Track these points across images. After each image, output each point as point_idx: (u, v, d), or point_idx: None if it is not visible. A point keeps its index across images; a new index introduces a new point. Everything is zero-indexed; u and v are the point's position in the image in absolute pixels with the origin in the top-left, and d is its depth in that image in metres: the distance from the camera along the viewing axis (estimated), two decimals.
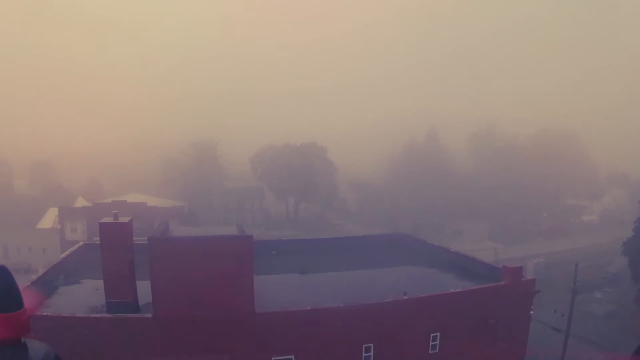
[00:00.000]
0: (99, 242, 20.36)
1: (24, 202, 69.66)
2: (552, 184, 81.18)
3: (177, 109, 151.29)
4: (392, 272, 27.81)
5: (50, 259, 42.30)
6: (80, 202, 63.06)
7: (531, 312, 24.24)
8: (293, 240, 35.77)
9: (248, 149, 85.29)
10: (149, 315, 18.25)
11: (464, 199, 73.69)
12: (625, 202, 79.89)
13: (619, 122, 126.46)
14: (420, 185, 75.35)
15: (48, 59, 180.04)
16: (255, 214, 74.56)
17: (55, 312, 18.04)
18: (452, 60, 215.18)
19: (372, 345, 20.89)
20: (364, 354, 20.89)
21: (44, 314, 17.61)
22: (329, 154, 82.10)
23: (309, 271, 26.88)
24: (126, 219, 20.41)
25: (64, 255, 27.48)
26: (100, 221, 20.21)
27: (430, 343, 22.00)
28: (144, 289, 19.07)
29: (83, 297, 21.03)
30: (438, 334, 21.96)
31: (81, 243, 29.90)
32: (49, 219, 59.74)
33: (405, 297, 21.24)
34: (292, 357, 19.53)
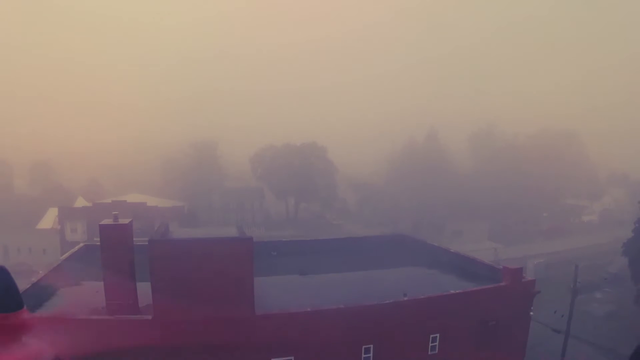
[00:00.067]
0: (99, 243, 20.39)
1: (24, 202, 69.74)
2: (552, 184, 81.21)
3: (177, 109, 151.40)
4: (392, 273, 27.81)
5: (50, 260, 42.34)
6: (80, 202, 63.12)
7: (531, 313, 24.26)
8: (293, 241, 35.73)
9: (248, 149, 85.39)
10: (149, 317, 18.25)
11: (464, 199, 73.73)
12: (625, 202, 79.95)
13: (619, 122, 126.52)
14: (420, 185, 75.39)
15: (48, 59, 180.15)
16: (255, 214, 74.63)
17: (55, 314, 18.07)
18: (452, 60, 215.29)
19: (371, 346, 20.91)
20: (363, 355, 20.90)
21: (45, 316, 17.65)
22: (329, 154, 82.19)
23: (309, 272, 26.89)
24: (126, 221, 20.42)
25: (64, 256, 27.47)
26: (100, 223, 20.20)
27: (430, 344, 22.01)
28: (144, 290, 19.09)
29: (83, 299, 21.03)
30: (438, 335, 21.96)
31: (81, 244, 29.88)
32: (49, 219, 59.79)
33: (405, 299, 21.25)
34: (292, 358, 19.54)
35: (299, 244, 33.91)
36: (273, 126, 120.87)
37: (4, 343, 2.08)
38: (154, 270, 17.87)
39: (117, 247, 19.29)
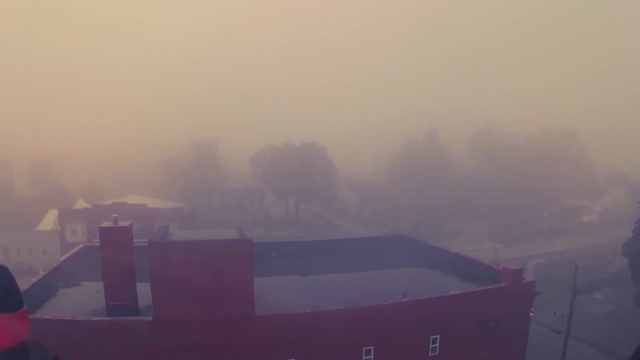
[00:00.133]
0: (99, 244, 20.42)
1: (24, 203, 69.72)
2: (552, 183, 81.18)
3: (177, 109, 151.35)
4: (392, 274, 27.80)
5: (50, 261, 42.33)
6: (81, 204, 63.07)
7: (531, 314, 24.28)
8: (293, 242, 35.78)
9: (248, 149, 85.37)
10: (149, 318, 18.28)
11: (464, 199, 73.80)
12: (625, 202, 79.93)
13: (619, 122, 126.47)
14: (420, 185, 75.45)
15: (48, 59, 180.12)
16: (255, 215, 74.66)
17: (55, 315, 18.10)
18: (452, 60, 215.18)
19: (372, 347, 20.93)
20: (364, 357, 20.93)
21: (45, 317, 17.67)
22: (329, 154, 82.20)
23: (309, 273, 26.91)
24: (126, 223, 20.43)
25: (64, 257, 27.51)
26: (100, 225, 20.23)
27: (431, 345, 22.04)
28: (144, 292, 19.10)
29: (83, 300, 21.06)
30: (438, 336, 22.00)
31: (81, 245, 29.92)
32: (49, 221, 59.77)
33: (405, 300, 21.26)
34: (293, 359, 19.58)
35: (299, 245, 33.94)
36: (273, 126, 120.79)
37: (4, 343, 2.09)
38: (154, 272, 17.90)
39: (117, 250, 19.30)
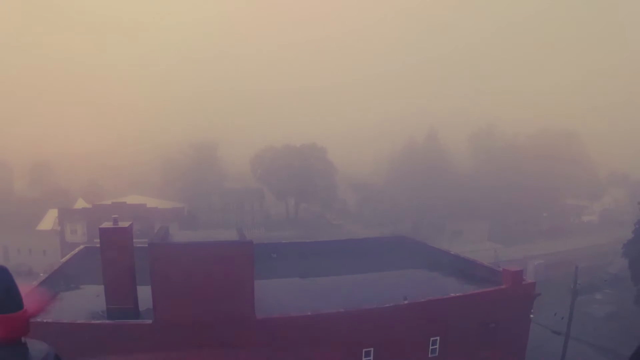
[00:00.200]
0: (99, 245, 20.41)
1: (24, 203, 69.66)
2: (552, 183, 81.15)
3: (177, 109, 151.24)
4: (392, 276, 27.82)
5: (50, 261, 42.38)
6: (80, 204, 63.07)
7: (531, 316, 24.28)
8: (293, 243, 35.78)
9: (248, 150, 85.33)
10: (150, 321, 18.28)
11: (464, 199, 73.67)
12: (626, 202, 79.93)
13: (619, 122, 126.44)
14: (420, 185, 75.34)
15: (48, 59, 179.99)
16: (255, 215, 74.65)
17: (56, 319, 18.08)
18: (452, 60, 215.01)
19: (372, 349, 20.95)
20: (363, 358, 20.93)
21: (45, 320, 17.66)
22: (329, 154, 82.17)
23: (309, 275, 26.91)
24: (126, 224, 20.41)
25: (64, 259, 27.51)
26: (100, 226, 20.21)
27: (430, 347, 22.05)
28: (144, 294, 19.10)
29: (84, 303, 21.05)
30: (438, 338, 22.01)
31: (82, 247, 29.93)
32: (48, 221, 59.76)
33: (406, 302, 21.26)
34: None
35: (299, 246, 33.95)
36: (273, 126, 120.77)
37: (4, 343, 2.09)
38: (155, 273, 17.90)
39: (117, 251, 19.29)
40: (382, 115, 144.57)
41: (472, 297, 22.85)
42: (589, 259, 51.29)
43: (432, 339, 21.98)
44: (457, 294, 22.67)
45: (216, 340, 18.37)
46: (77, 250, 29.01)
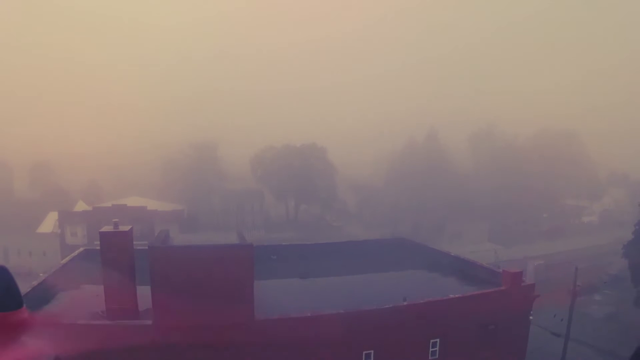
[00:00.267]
0: (99, 247, 20.46)
1: (24, 205, 69.68)
2: (552, 184, 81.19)
3: (177, 109, 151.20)
4: (392, 277, 27.89)
5: (50, 263, 42.43)
6: (81, 206, 63.11)
7: (531, 317, 24.31)
8: (293, 245, 35.83)
9: (248, 150, 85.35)
10: (149, 322, 18.31)
11: (464, 200, 73.68)
12: (626, 202, 79.99)
13: (619, 122, 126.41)
14: (420, 185, 75.32)
15: (48, 59, 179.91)
16: (255, 216, 74.70)
17: (55, 319, 18.10)
18: (452, 60, 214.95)
19: (372, 351, 20.98)
20: None
21: (44, 320, 17.69)
22: (329, 155, 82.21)
23: (309, 276, 26.95)
24: (126, 228, 20.45)
25: (64, 261, 27.54)
26: (100, 230, 20.25)
27: (430, 349, 22.09)
28: (144, 295, 19.12)
29: (83, 304, 21.07)
30: (438, 339, 22.04)
31: (82, 249, 29.95)
32: (49, 223, 59.79)
33: (405, 304, 21.29)
34: None
35: (299, 248, 33.99)
36: (273, 126, 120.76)
37: (4, 343, 2.11)
38: (155, 277, 17.93)
39: (117, 255, 19.33)
40: (382, 115, 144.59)
41: (472, 299, 22.88)
42: (588, 260, 51.33)
43: (432, 340, 22.02)
44: (457, 296, 22.70)
45: (216, 342, 18.40)
46: (77, 252, 29.03)
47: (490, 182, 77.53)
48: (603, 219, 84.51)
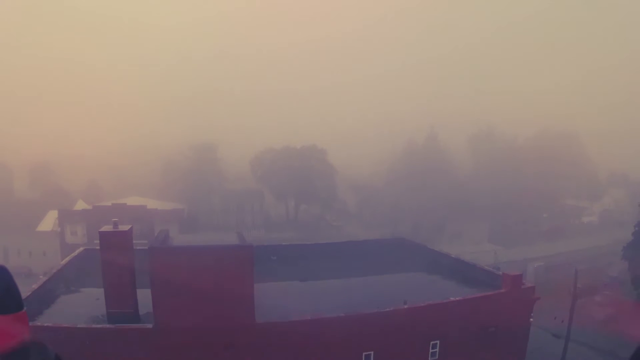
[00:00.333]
0: (99, 247, 20.44)
1: (24, 204, 69.61)
2: (552, 184, 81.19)
3: (177, 109, 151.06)
4: (392, 279, 27.87)
5: (50, 263, 42.38)
6: (80, 205, 63.05)
7: (531, 320, 24.31)
8: (293, 245, 35.81)
9: (248, 150, 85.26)
10: (150, 325, 18.29)
11: (463, 200, 73.68)
12: (625, 202, 79.94)
13: (619, 122, 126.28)
14: (420, 186, 75.35)
15: (47, 59, 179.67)
16: (255, 216, 74.68)
17: (56, 323, 18.09)
18: (452, 60, 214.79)
19: (372, 353, 20.97)
20: None
21: (45, 324, 17.67)
22: (329, 155, 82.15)
23: (309, 278, 26.93)
24: (126, 227, 20.43)
25: (64, 262, 27.52)
26: (100, 230, 20.22)
27: (430, 351, 22.08)
28: (144, 296, 19.11)
29: (84, 307, 21.07)
30: (438, 342, 22.04)
31: (81, 249, 29.94)
32: (48, 222, 59.75)
33: (405, 306, 21.29)
34: None
35: (298, 248, 33.97)
36: (273, 127, 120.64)
37: (4, 344, 2.09)
38: (155, 278, 17.92)
39: (117, 255, 19.31)
40: (382, 116, 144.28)
41: (472, 301, 22.89)
42: (588, 261, 51.30)
43: (432, 342, 22.02)
44: (457, 298, 22.70)
45: (216, 345, 18.39)
46: (76, 252, 29.01)
47: (490, 183, 77.50)
48: (603, 219, 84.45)
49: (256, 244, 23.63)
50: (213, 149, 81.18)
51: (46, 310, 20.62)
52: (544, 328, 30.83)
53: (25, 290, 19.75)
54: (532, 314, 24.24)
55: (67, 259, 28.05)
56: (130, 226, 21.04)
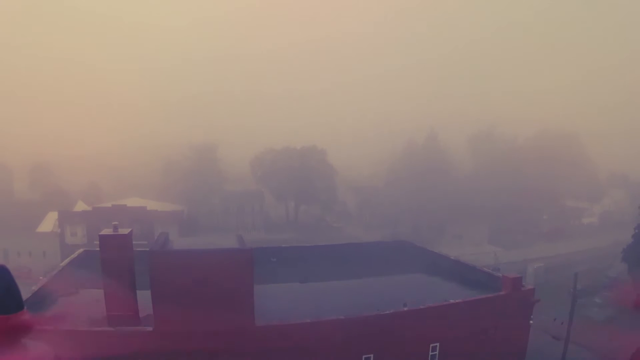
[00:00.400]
0: (98, 248, 20.42)
1: (24, 205, 69.63)
2: (552, 185, 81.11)
3: (177, 110, 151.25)
4: (392, 281, 27.86)
5: (50, 263, 42.39)
6: (80, 206, 63.06)
7: (530, 322, 24.31)
8: (293, 247, 35.79)
9: (248, 151, 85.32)
10: (150, 328, 18.28)
11: (464, 201, 73.66)
12: (625, 203, 79.97)
13: (619, 122, 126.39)
14: (420, 186, 75.32)
15: (48, 59, 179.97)
16: (255, 217, 74.69)
17: (55, 326, 18.07)
18: (452, 60, 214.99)
19: (371, 356, 20.97)
20: None
21: (45, 327, 17.68)
22: (329, 156, 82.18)
23: (309, 279, 26.92)
24: (126, 231, 20.42)
25: (64, 263, 27.50)
26: (100, 233, 20.22)
27: (430, 353, 22.08)
28: (144, 298, 19.10)
29: (84, 309, 21.03)
30: (437, 344, 22.02)
31: (81, 250, 29.90)
32: (48, 223, 59.75)
33: (405, 309, 21.29)
34: None
35: (298, 250, 33.95)
36: (273, 127, 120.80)
37: (5, 344, 2.08)
38: (155, 281, 17.92)
39: (117, 258, 19.30)
40: (382, 116, 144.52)
41: (472, 304, 22.87)
42: (588, 262, 51.34)
43: (431, 345, 22.00)
44: (457, 301, 22.69)
45: (216, 347, 18.39)
46: (76, 253, 28.98)
47: (490, 183, 77.44)
48: (603, 220, 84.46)
49: (256, 246, 23.63)
50: (213, 149, 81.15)
51: (45, 312, 20.56)
52: (543, 329, 30.80)
53: (25, 290, 19.74)
54: (531, 316, 24.24)
55: (67, 260, 28.03)
56: (130, 229, 21.03)
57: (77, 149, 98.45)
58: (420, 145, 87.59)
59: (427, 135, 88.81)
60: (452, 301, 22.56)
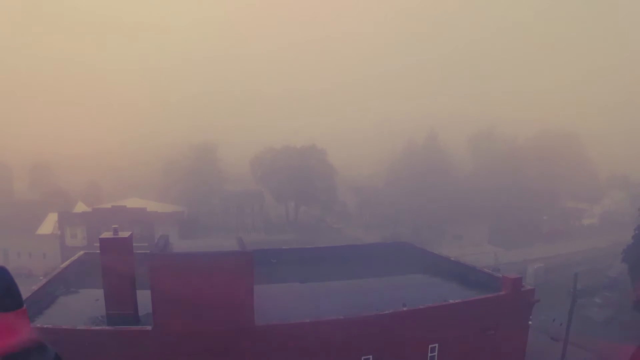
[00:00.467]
0: (99, 250, 20.44)
1: (24, 206, 69.64)
2: (552, 186, 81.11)
3: (177, 110, 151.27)
4: (392, 281, 27.88)
5: (50, 265, 42.45)
6: (80, 207, 63.06)
7: (530, 322, 24.34)
8: (293, 249, 35.82)
9: (248, 151, 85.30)
10: (149, 328, 18.32)
11: (463, 201, 73.67)
12: (626, 204, 79.97)
13: (619, 122, 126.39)
14: (420, 187, 75.31)
15: (48, 59, 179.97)
16: (255, 218, 74.69)
17: (55, 324, 18.13)
18: (452, 60, 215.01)
19: (371, 356, 21.00)
20: None
21: (45, 326, 17.70)
22: (329, 156, 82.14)
23: (309, 280, 26.95)
24: (126, 234, 20.40)
25: (64, 265, 27.55)
26: (100, 236, 20.23)
27: (429, 354, 22.10)
28: (144, 298, 19.13)
29: (83, 308, 21.09)
30: (437, 344, 22.05)
31: (81, 252, 29.94)
32: (48, 225, 59.76)
33: (405, 309, 21.31)
34: None
35: (298, 252, 33.99)
36: (273, 127, 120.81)
37: (4, 342, 2.11)
38: (155, 284, 17.93)
39: (117, 261, 19.31)
40: (382, 116, 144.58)
41: (471, 304, 22.89)
42: (588, 262, 51.42)
43: (431, 345, 22.03)
44: (456, 301, 22.71)
45: (216, 348, 18.42)
46: (76, 255, 29.02)
47: (490, 183, 77.44)
48: (603, 221, 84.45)
49: (256, 248, 23.64)
50: (213, 149, 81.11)
51: (46, 311, 20.67)
52: (543, 330, 30.86)
53: (25, 291, 19.80)
54: (531, 317, 24.27)
55: (67, 262, 28.08)
56: (130, 232, 21.01)
57: (77, 148, 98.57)
58: (420, 145, 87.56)
59: (427, 135, 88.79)
60: (451, 301, 22.59)
